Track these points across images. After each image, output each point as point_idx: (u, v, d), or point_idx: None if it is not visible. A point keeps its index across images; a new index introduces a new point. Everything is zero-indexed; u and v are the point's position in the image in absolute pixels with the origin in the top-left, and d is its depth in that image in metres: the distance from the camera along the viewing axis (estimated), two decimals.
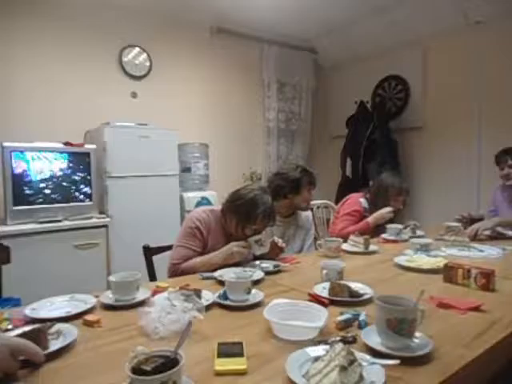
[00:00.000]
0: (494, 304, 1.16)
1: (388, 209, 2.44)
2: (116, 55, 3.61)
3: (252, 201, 1.71)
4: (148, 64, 3.78)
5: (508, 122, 3.38)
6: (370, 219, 2.42)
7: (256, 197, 1.73)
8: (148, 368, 0.65)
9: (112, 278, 1.24)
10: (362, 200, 2.59)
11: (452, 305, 1.14)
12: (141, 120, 3.36)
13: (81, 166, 2.99)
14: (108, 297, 1.23)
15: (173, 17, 3.86)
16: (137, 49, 3.71)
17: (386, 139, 4.04)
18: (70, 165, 2.95)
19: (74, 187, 2.96)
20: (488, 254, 1.83)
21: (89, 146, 3.05)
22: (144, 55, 3.75)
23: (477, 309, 1.11)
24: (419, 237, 2.25)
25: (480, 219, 2.48)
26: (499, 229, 2.29)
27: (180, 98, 4.01)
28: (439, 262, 1.55)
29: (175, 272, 1.66)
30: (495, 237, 2.20)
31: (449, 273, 1.40)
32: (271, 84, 4.65)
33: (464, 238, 2.14)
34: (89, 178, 3.01)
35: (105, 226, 2.98)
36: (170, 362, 0.66)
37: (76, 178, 2.97)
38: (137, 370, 0.64)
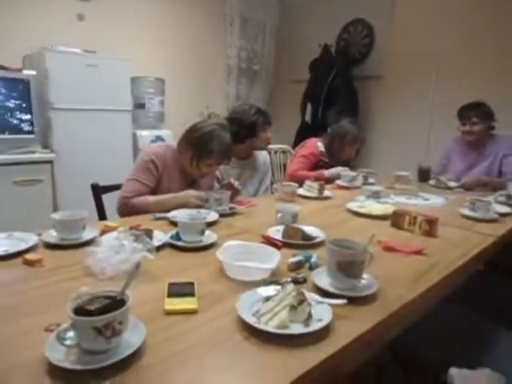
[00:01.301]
0: (435, 249, 1.23)
1: (344, 169, 2.48)
2: None
3: (209, 134, 1.69)
4: None
5: (461, 81, 3.45)
6: (326, 172, 2.48)
7: (214, 131, 1.70)
8: (92, 308, 0.62)
9: (55, 216, 1.16)
10: (320, 144, 2.63)
11: (397, 248, 1.20)
12: (88, 47, 3.04)
13: (19, 95, 2.70)
14: (52, 235, 1.16)
15: None
16: None
17: (348, 87, 4.01)
18: (5, 92, 2.64)
19: (11, 118, 2.69)
20: (432, 202, 1.93)
21: (28, 72, 2.74)
22: None
23: (419, 253, 1.18)
24: (371, 184, 2.33)
25: (427, 170, 2.60)
26: (442, 178, 2.43)
27: (134, 27, 3.66)
28: (388, 209, 1.61)
29: (125, 205, 1.61)
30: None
31: (396, 219, 1.46)
32: (234, 19, 4.36)
33: (412, 187, 2.24)
34: (29, 108, 2.74)
35: (49, 161, 2.78)
36: (115, 303, 0.63)
37: (14, 107, 2.69)
38: (80, 311, 0.61)
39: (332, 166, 2.56)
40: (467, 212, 1.66)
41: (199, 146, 1.68)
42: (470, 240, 1.36)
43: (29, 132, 2.76)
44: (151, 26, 3.80)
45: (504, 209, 1.75)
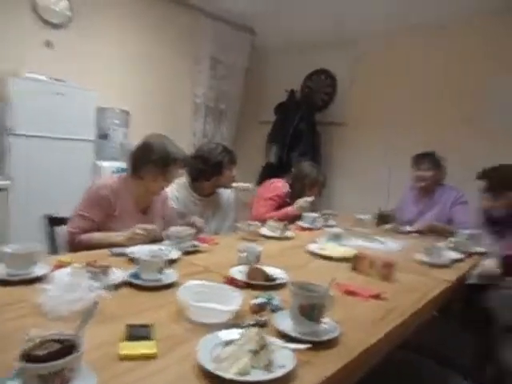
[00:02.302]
0: (393, 293, 1.26)
1: (308, 199, 2.53)
2: None
3: (161, 144, 1.73)
4: (69, 13, 3.37)
5: (422, 128, 3.70)
6: (290, 209, 2.51)
7: (164, 142, 1.75)
8: (41, 353, 0.57)
9: (6, 249, 1.08)
10: (283, 185, 2.68)
11: (356, 292, 1.22)
12: (56, 75, 3.00)
13: None
14: None
15: None
16: None
17: (311, 131, 4.18)
18: None
19: None
20: (389, 246, 2.00)
21: None
22: (65, 2, 3.34)
23: (378, 297, 1.21)
24: (331, 226, 2.39)
25: (387, 215, 2.71)
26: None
27: (102, 57, 3.66)
28: (348, 252, 1.65)
29: (72, 242, 1.58)
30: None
31: (357, 262, 1.50)
32: (204, 59, 4.48)
33: (369, 231, 2.32)
34: None
35: (3, 189, 2.63)
36: (68, 347, 0.59)
37: None
38: (28, 356, 0.56)
39: None
40: (422, 257, 1.73)
41: (160, 160, 1.70)
42: (425, 285, 1.41)
43: None
44: (121, 57, 3.82)
45: (455, 255, 1.84)
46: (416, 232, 2.43)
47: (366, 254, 1.54)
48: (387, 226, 2.60)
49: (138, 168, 1.73)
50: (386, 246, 2.01)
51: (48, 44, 3.29)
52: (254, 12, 4.45)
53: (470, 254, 1.93)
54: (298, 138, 4.12)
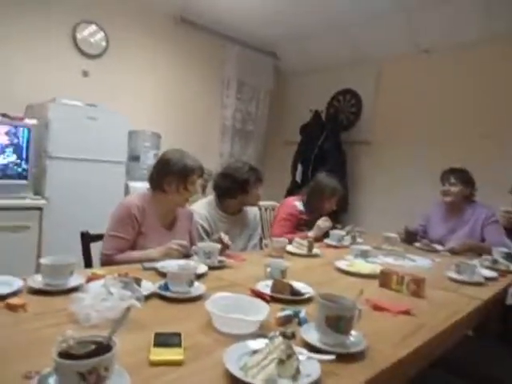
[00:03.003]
0: (422, 309, 1.23)
1: (323, 219, 2.47)
2: (70, 30, 3.40)
3: (178, 156, 1.80)
4: (104, 44, 3.60)
5: (446, 145, 3.65)
6: (310, 233, 2.44)
7: (182, 155, 1.81)
8: (78, 352, 0.60)
9: (44, 260, 1.15)
10: (298, 203, 2.63)
11: (385, 307, 1.20)
12: (90, 100, 3.18)
13: (18, 142, 2.76)
14: (37, 280, 1.14)
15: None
16: (93, 26, 3.52)
17: (336, 150, 4.19)
18: (5, 138, 2.70)
19: (7, 164, 2.72)
20: (420, 264, 1.95)
21: (29, 121, 2.83)
22: (101, 34, 3.57)
23: (407, 312, 1.18)
24: (359, 244, 2.36)
25: (414, 232, 2.66)
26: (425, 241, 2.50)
27: (135, 84, 3.87)
28: (376, 268, 1.63)
29: (108, 263, 1.60)
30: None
31: (384, 278, 1.47)
32: (231, 82, 4.63)
33: (399, 248, 2.27)
34: (26, 155, 2.79)
35: (39, 208, 2.77)
36: (102, 348, 0.62)
37: (11, 154, 2.73)
38: (64, 355, 0.60)
39: (313, 224, 2.53)
40: (453, 274, 1.68)
41: (179, 171, 1.76)
42: (456, 302, 1.36)
43: (23, 178, 2.78)
44: (151, 83, 4.02)
45: (489, 273, 1.78)
46: (450, 252, 2.35)
47: (393, 270, 1.51)
48: (417, 244, 2.55)
49: (159, 182, 1.79)
50: (416, 263, 1.96)
51: (85, 73, 3.51)
52: (276, 37, 4.61)
53: (506, 273, 1.86)
54: (324, 157, 4.13)
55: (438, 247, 2.45)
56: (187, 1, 3.83)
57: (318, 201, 2.58)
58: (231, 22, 4.26)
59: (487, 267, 1.89)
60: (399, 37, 3.91)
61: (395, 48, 4.00)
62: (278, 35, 4.56)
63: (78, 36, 3.44)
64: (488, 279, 1.69)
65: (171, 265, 1.35)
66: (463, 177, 2.53)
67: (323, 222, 2.46)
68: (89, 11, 3.47)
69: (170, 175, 1.76)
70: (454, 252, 2.33)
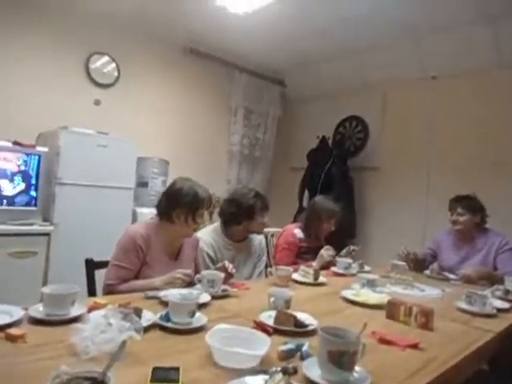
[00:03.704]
0: (431, 343, 1.19)
1: (326, 248, 2.45)
2: (83, 60, 3.53)
3: (192, 189, 1.77)
4: (116, 74, 3.72)
5: (455, 172, 3.63)
6: (315, 264, 2.37)
7: (193, 186, 1.79)
8: None
9: (45, 290, 1.14)
10: (297, 231, 2.60)
11: (392, 341, 1.16)
12: (101, 128, 3.25)
13: (28, 169, 2.82)
14: (38, 310, 1.13)
15: (148, 31, 3.86)
16: (106, 57, 3.65)
17: (343, 176, 4.19)
18: (16, 165, 2.76)
19: (17, 190, 2.77)
20: (429, 293, 1.90)
21: (40, 149, 2.89)
22: (113, 65, 3.69)
23: (415, 346, 1.14)
24: (366, 272, 2.32)
25: (423, 260, 2.60)
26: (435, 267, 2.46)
27: (144, 112, 3.96)
28: (383, 298, 1.59)
29: (111, 293, 1.58)
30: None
31: (391, 309, 1.43)
32: (238, 109, 4.71)
33: (408, 277, 2.22)
34: (36, 181, 2.84)
35: (47, 234, 2.79)
36: None
37: (20, 180, 2.79)
38: None
39: (315, 249, 2.50)
40: (464, 305, 1.63)
41: (189, 204, 1.74)
42: (467, 335, 1.32)
43: (32, 204, 2.82)
44: (160, 111, 4.11)
45: (502, 304, 1.72)
46: (462, 279, 2.29)
47: (401, 300, 1.47)
48: (427, 272, 2.49)
49: (168, 213, 1.76)
50: (425, 293, 1.91)
51: (97, 102, 3.61)
52: (283, 65, 4.73)
53: None
54: (331, 183, 4.12)
55: (450, 276, 2.40)
56: (196, 32, 3.97)
57: (316, 224, 2.55)
58: (239, 51, 4.39)
59: (499, 298, 1.83)
60: (406, 63, 3.97)
61: (402, 74, 4.06)
62: (285, 63, 4.69)
63: (91, 66, 3.57)
64: (500, 310, 1.64)
65: (174, 294, 1.34)
66: (470, 205, 2.49)
67: (326, 251, 2.43)
68: (102, 43, 3.61)
69: (180, 207, 1.74)
70: (468, 280, 2.26)
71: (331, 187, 4.11)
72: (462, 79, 3.67)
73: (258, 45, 4.16)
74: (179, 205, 1.75)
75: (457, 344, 1.20)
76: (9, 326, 1.02)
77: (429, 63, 3.85)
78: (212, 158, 4.57)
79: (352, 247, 2.56)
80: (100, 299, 1.30)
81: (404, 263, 2.44)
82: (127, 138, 3.39)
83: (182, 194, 1.76)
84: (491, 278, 2.25)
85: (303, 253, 2.55)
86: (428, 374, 0.97)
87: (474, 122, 3.61)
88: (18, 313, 1.09)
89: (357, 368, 0.88)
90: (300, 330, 1.17)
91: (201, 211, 1.79)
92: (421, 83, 3.96)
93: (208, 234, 2.19)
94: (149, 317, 1.15)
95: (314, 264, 2.38)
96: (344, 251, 2.51)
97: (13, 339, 0.96)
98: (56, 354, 0.92)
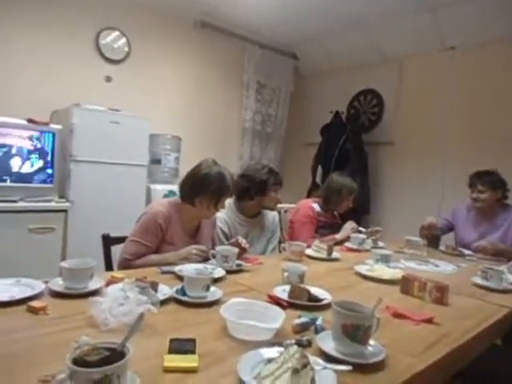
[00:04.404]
0: (446, 318, 1.19)
1: (350, 222, 2.49)
2: (93, 36, 3.48)
3: (218, 177, 1.75)
4: (127, 49, 3.67)
5: (472, 146, 3.54)
6: (338, 236, 2.45)
7: (220, 172, 1.77)
8: (91, 359, 0.61)
9: (64, 264, 1.17)
10: (314, 205, 2.60)
11: (406, 315, 1.16)
12: (113, 105, 3.24)
13: (44, 146, 2.85)
14: (58, 283, 1.17)
15: (159, 5, 3.77)
16: (116, 32, 3.60)
17: (358, 151, 4.12)
18: (31, 143, 2.80)
19: (34, 168, 2.81)
20: (443, 269, 1.89)
21: (54, 126, 2.91)
22: (123, 40, 3.64)
23: (429, 321, 1.14)
24: (380, 248, 2.31)
25: (438, 236, 2.58)
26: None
27: (156, 88, 3.92)
28: (397, 274, 1.58)
29: (127, 267, 1.61)
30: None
31: (405, 284, 1.43)
32: (250, 84, 4.63)
33: (422, 252, 2.21)
34: (51, 159, 2.87)
35: (64, 210, 2.85)
36: (115, 355, 0.62)
37: (37, 158, 2.82)
38: (79, 362, 0.60)
39: (330, 225, 2.56)
40: (479, 281, 1.62)
41: (214, 193, 1.73)
42: (482, 310, 1.31)
43: (48, 181, 2.87)
44: (172, 87, 4.07)
45: None
46: (475, 250, 2.27)
47: (415, 275, 1.46)
48: (442, 248, 2.47)
49: (191, 197, 1.75)
50: (440, 268, 1.90)
51: (108, 79, 3.59)
52: (295, 37, 4.60)
53: None
54: (345, 158, 4.07)
55: (465, 251, 2.37)
56: (207, 6, 3.87)
57: (336, 200, 2.55)
58: (251, 24, 4.27)
59: None
60: (423, 34, 3.82)
61: (418, 46, 3.92)
62: (298, 36, 4.55)
63: (102, 42, 3.52)
64: None
65: (188, 269, 1.36)
66: (491, 181, 2.42)
67: (350, 225, 2.47)
68: (112, 18, 3.55)
69: (204, 193, 1.73)
70: (484, 251, 2.24)
71: (346, 162, 4.06)
72: (481, 50, 3.51)
73: (269, 18, 4.04)
74: (203, 191, 1.73)
75: (471, 319, 1.20)
76: (31, 298, 1.06)
77: (447, 34, 3.69)
78: (224, 134, 4.54)
79: (375, 228, 2.53)
80: (117, 273, 1.33)
81: (418, 238, 2.42)
82: (139, 114, 3.38)
83: (208, 182, 1.73)
84: (506, 254, 2.22)
85: (320, 227, 2.56)
86: (442, 349, 0.97)
87: (494, 95, 3.48)
88: (39, 286, 1.13)
89: (371, 342, 0.88)
90: (314, 304, 1.18)
91: (224, 199, 1.79)
92: (439, 55, 3.82)
93: (222, 210, 2.20)
94: (165, 291, 1.17)
95: (337, 236, 2.43)
96: (367, 231, 2.48)
97: (35, 311, 0.99)
98: (76, 325, 0.94)
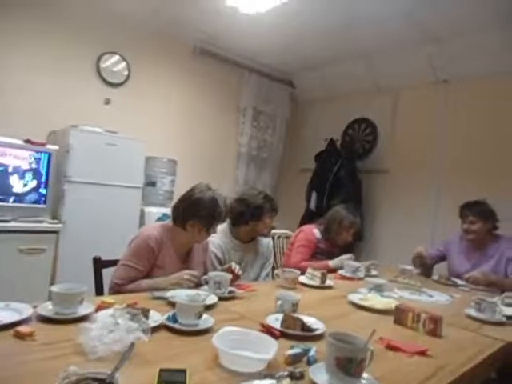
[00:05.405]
0: (440, 350, 1.18)
1: (348, 255, 2.50)
2: (94, 60, 3.55)
3: (211, 202, 1.74)
4: (126, 73, 3.73)
5: (465, 176, 3.59)
6: (331, 263, 2.46)
7: (213, 198, 1.75)
8: None
9: (54, 289, 1.15)
10: (315, 231, 2.63)
11: (400, 347, 1.15)
12: (111, 127, 3.27)
13: (39, 166, 2.85)
14: (47, 308, 1.14)
15: (159, 31, 3.87)
16: (117, 56, 3.67)
17: (352, 178, 4.16)
18: (27, 163, 2.80)
19: (27, 188, 2.80)
20: (437, 299, 1.88)
21: (51, 147, 2.92)
22: (123, 64, 3.71)
23: (423, 353, 1.13)
24: (374, 276, 2.30)
25: (431, 265, 2.58)
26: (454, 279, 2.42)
27: (154, 111, 3.97)
28: (391, 304, 1.57)
29: (118, 292, 1.58)
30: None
31: (399, 315, 1.42)
32: (247, 110, 4.71)
33: (416, 282, 2.20)
34: (46, 179, 2.87)
35: (55, 231, 2.82)
36: None
37: (31, 177, 2.81)
38: None
39: (328, 253, 2.57)
40: (473, 313, 1.61)
41: (206, 218, 1.72)
42: (477, 343, 1.30)
43: (41, 202, 2.85)
44: (170, 111, 4.12)
45: (511, 311, 1.70)
46: (467, 281, 2.27)
47: (409, 306, 1.46)
48: (435, 277, 2.47)
49: (184, 220, 1.74)
50: (434, 299, 1.89)
51: (107, 101, 3.63)
52: (292, 66, 4.72)
53: None
54: (339, 185, 4.11)
55: (458, 281, 2.37)
56: (206, 33, 3.98)
57: (337, 230, 2.57)
58: (248, 52, 4.39)
59: (509, 305, 1.80)
60: (418, 66, 3.93)
61: (413, 78, 4.03)
62: (295, 64, 4.67)
63: (102, 65, 3.59)
64: (510, 318, 1.61)
65: (181, 295, 1.34)
66: (482, 211, 2.45)
67: (347, 259, 2.46)
68: (112, 43, 3.62)
69: (196, 218, 1.72)
70: (476, 282, 2.24)
71: (339, 189, 4.10)
72: (473, 83, 3.62)
73: (267, 46, 4.16)
74: (195, 215, 1.72)
75: (466, 352, 1.19)
76: (18, 323, 1.03)
77: (441, 67, 3.81)
78: (220, 158, 4.57)
79: (371, 262, 2.53)
80: (107, 298, 1.31)
81: (412, 267, 2.42)
82: (136, 137, 3.40)
83: (200, 206, 1.72)
84: (499, 285, 2.22)
85: (317, 253, 2.58)
86: (437, 383, 0.95)
87: (487, 127, 3.56)
88: (27, 311, 1.10)
89: (364, 375, 0.87)
90: (307, 334, 1.16)
91: (216, 224, 1.78)
92: (432, 87, 3.92)
93: (216, 235, 2.19)
94: (156, 318, 1.15)
95: (331, 263, 2.44)
96: (364, 265, 2.46)
97: (22, 337, 0.97)
98: (64, 352, 0.92)
